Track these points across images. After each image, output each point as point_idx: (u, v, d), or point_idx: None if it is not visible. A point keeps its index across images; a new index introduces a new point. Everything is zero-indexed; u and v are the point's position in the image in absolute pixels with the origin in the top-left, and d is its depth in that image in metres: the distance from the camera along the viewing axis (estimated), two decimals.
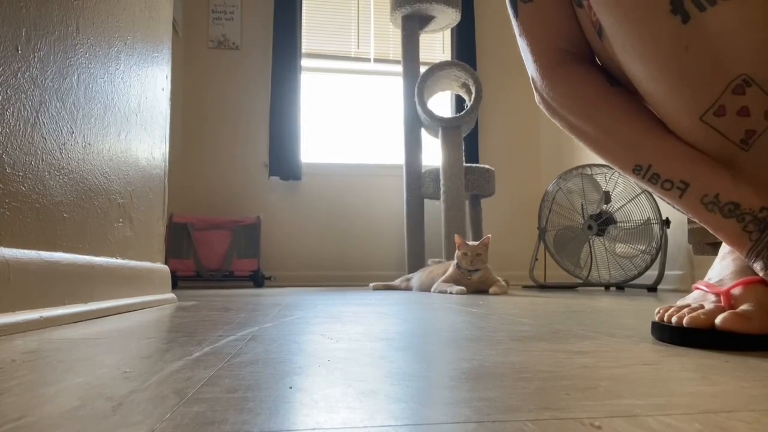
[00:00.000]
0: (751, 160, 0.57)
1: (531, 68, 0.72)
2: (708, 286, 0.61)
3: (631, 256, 2.68)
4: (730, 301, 0.57)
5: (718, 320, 0.54)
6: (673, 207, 0.63)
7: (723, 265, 0.63)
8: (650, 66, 0.57)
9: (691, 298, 0.62)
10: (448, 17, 3.25)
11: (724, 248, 0.66)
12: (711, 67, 0.54)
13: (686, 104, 0.57)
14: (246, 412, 0.30)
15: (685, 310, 0.59)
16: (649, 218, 2.62)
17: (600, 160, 3.28)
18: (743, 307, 0.55)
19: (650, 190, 0.64)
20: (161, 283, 1.34)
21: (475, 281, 2.17)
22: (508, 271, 3.77)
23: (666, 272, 2.73)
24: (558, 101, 0.69)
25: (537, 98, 0.73)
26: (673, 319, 0.59)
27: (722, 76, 0.54)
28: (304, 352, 0.53)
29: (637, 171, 0.63)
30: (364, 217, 3.77)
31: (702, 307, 0.58)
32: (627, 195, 2.70)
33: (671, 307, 0.62)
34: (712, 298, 0.59)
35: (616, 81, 0.67)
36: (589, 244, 2.85)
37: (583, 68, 0.68)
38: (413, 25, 3.26)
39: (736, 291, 0.57)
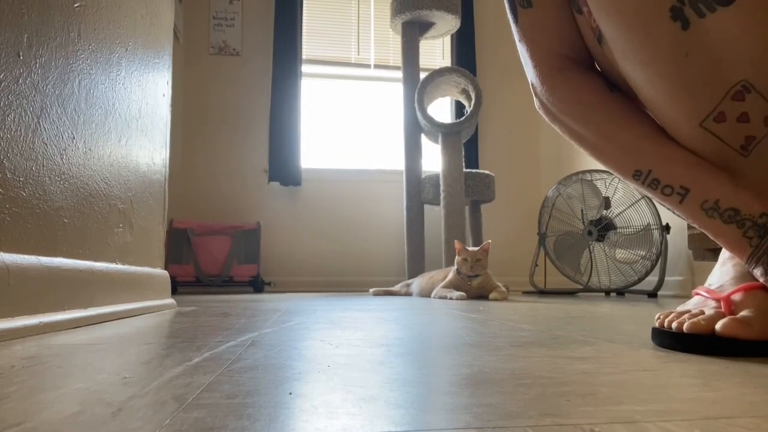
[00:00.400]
0: (751, 166, 0.57)
1: (531, 74, 0.72)
2: (708, 291, 0.61)
3: (631, 262, 2.68)
4: (730, 307, 0.57)
5: (718, 326, 0.54)
6: (673, 212, 0.64)
7: (723, 271, 0.63)
8: (650, 72, 0.57)
9: (692, 304, 0.62)
10: (448, 23, 3.27)
11: (725, 254, 0.66)
12: (711, 73, 0.54)
13: (686, 110, 0.57)
14: (245, 418, 0.30)
15: (686, 315, 0.59)
16: (649, 224, 2.62)
17: (600, 166, 3.28)
18: (743, 313, 0.55)
19: (650, 195, 0.64)
20: (161, 288, 1.34)
21: (475, 287, 2.17)
22: (508, 276, 3.76)
23: (666, 278, 2.73)
24: (558, 107, 0.69)
25: (537, 104, 0.73)
26: (674, 325, 0.59)
27: (722, 83, 0.54)
28: (304, 357, 0.53)
29: (637, 176, 0.63)
30: (364, 222, 3.77)
31: (702, 312, 0.58)
32: (627, 200, 2.70)
33: (671, 312, 0.62)
34: (713, 303, 0.59)
35: (615, 87, 0.67)
36: (589, 250, 2.85)
37: (583, 74, 0.69)
38: (413, 31, 3.27)
39: (737, 297, 0.57)
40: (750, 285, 0.57)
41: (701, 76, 0.55)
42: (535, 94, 0.72)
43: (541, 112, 0.73)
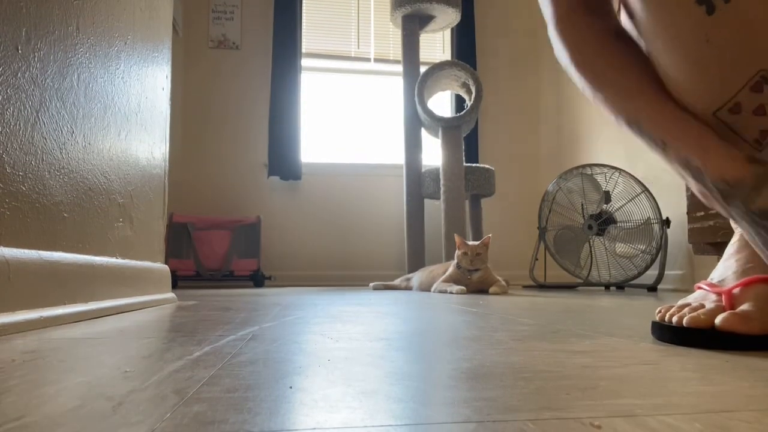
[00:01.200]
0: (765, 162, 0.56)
1: (547, 15, 0.72)
2: (710, 285, 0.61)
3: (631, 256, 2.68)
4: (731, 301, 0.57)
5: (717, 320, 0.54)
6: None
7: (726, 266, 0.63)
8: (672, 54, 0.56)
9: (692, 298, 0.62)
10: (448, 17, 3.25)
11: (729, 249, 0.65)
12: (730, 62, 0.53)
13: (701, 97, 0.56)
14: (246, 411, 0.30)
15: (686, 309, 0.59)
16: (649, 218, 2.62)
17: (600, 160, 3.28)
18: (743, 307, 0.55)
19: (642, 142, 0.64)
20: (161, 282, 1.34)
21: (475, 281, 2.17)
22: (508, 270, 3.77)
23: (666, 272, 2.73)
24: (567, 48, 0.69)
25: (555, 48, 0.73)
26: (674, 319, 0.59)
27: (741, 72, 0.53)
28: (304, 351, 0.53)
29: (629, 125, 0.63)
30: (364, 216, 3.77)
31: (702, 306, 0.58)
32: (627, 195, 2.69)
33: (672, 306, 0.62)
34: (713, 297, 0.59)
35: (622, 34, 0.66)
36: (589, 244, 2.85)
37: (593, 17, 0.68)
38: (413, 24, 3.26)
39: (737, 291, 0.57)
40: (751, 279, 0.57)
41: (719, 63, 0.53)
42: (552, 39, 0.72)
43: (558, 55, 0.72)
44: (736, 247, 0.65)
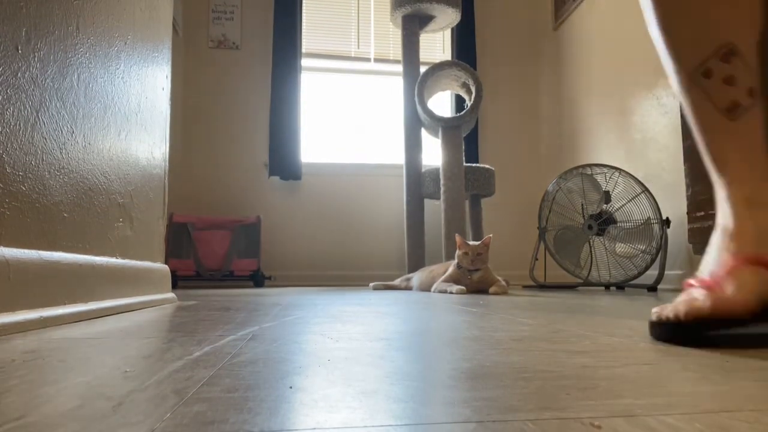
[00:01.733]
0: (739, 133, 0.59)
1: None
2: (698, 280, 0.63)
3: (631, 256, 2.68)
4: (720, 289, 0.58)
5: (710, 306, 0.56)
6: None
7: (708, 260, 0.65)
8: (658, 11, 0.61)
9: (682, 297, 0.64)
10: (449, 17, 3.25)
11: (710, 242, 0.67)
12: (702, 27, 0.58)
13: (677, 58, 0.62)
14: (246, 411, 0.30)
15: (681, 304, 0.60)
16: (649, 218, 2.62)
17: (600, 160, 3.28)
18: (731, 289, 0.57)
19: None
20: (161, 282, 1.34)
21: (475, 281, 2.17)
22: (508, 270, 3.77)
23: (666, 272, 2.73)
24: None
25: None
26: (671, 315, 0.60)
27: (711, 39, 0.58)
28: (304, 351, 0.53)
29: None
30: (364, 216, 3.77)
31: (696, 299, 0.60)
32: (627, 195, 2.69)
33: (667, 306, 0.63)
34: (702, 291, 0.61)
35: None
36: (589, 244, 2.85)
37: None
38: (413, 24, 3.26)
39: (722, 279, 0.59)
40: (735, 264, 0.59)
41: (694, 28, 0.58)
42: None
43: None
44: (713, 238, 0.67)
